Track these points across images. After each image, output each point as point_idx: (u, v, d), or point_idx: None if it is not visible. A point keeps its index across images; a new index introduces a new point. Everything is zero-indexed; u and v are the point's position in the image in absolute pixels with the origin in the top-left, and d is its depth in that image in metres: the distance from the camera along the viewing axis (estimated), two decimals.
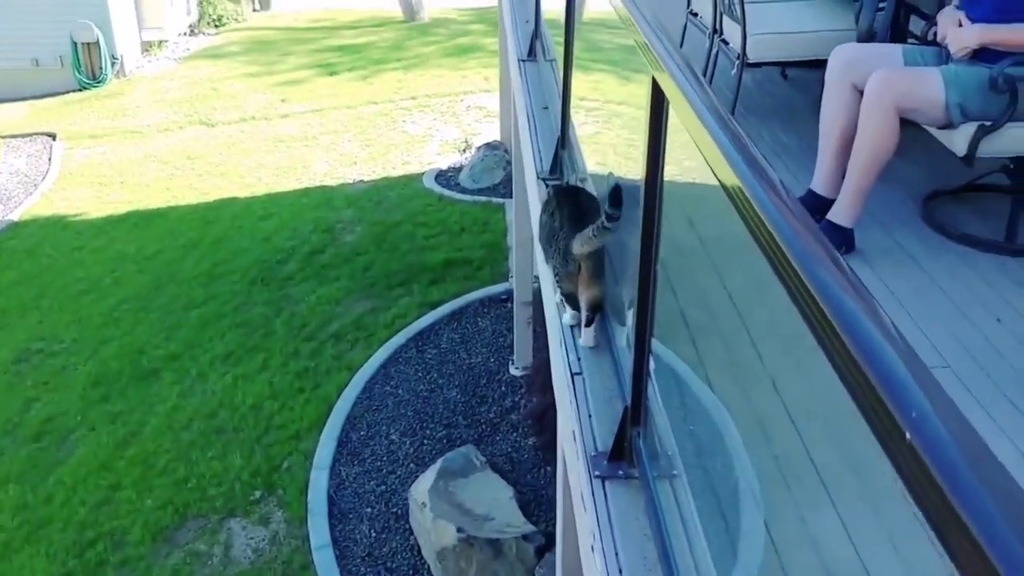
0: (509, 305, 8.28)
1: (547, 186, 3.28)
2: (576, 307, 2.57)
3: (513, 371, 7.69)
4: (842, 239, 3.20)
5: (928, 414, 0.77)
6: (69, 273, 9.76)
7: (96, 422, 7.37)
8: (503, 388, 7.56)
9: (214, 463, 6.85)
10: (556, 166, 3.78)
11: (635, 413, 2.09)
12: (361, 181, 11.49)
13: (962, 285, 3.05)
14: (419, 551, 6.11)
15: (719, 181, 1.31)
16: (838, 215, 3.22)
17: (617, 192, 2.23)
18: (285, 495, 6.55)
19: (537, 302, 6.04)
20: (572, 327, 2.63)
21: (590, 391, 2.43)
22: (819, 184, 3.43)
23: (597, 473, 2.15)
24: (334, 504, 6.47)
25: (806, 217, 1.15)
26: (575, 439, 2.36)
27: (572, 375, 2.51)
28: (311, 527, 6.27)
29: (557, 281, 2.60)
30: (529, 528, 5.90)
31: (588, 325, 2.53)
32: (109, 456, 6.98)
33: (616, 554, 1.96)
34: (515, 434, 7.07)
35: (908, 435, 0.76)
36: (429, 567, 6.02)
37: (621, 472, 2.14)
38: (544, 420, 6.47)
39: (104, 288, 9.37)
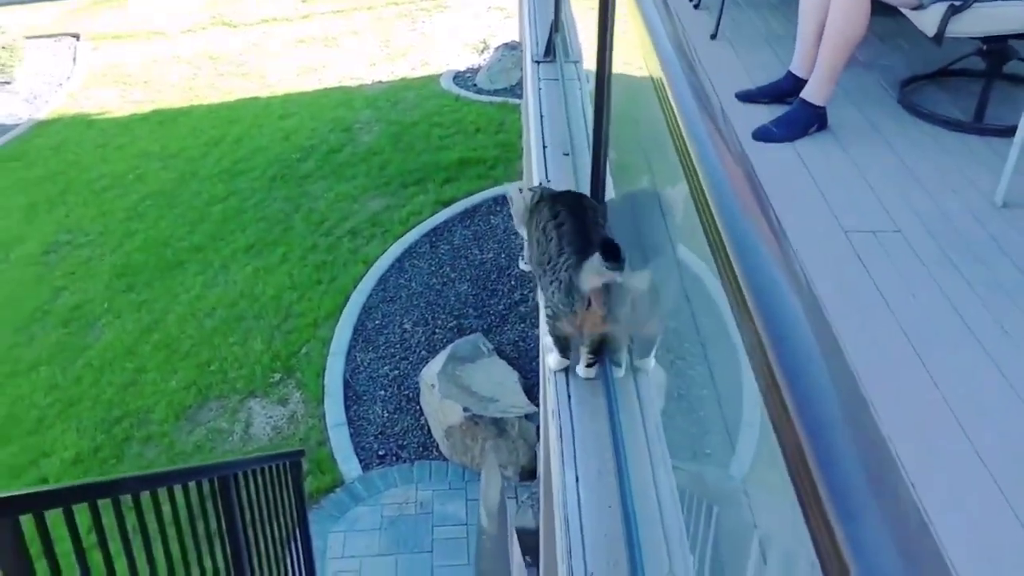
0: None
1: (530, 191, 2.28)
2: (565, 352, 2.05)
3: (523, 266, 7.76)
4: (814, 116, 3.35)
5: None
6: (94, 169, 10.03)
7: (122, 310, 7.70)
8: (512, 282, 7.78)
9: (235, 348, 7.16)
10: (550, 48, 3.91)
11: None
12: (379, 82, 11.59)
13: (925, 160, 3.19)
14: (428, 430, 6.43)
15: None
16: (811, 94, 3.36)
17: (611, 247, 1.74)
18: (303, 378, 6.86)
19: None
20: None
21: None
22: (797, 66, 3.56)
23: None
24: (349, 387, 6.78)
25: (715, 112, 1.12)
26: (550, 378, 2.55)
27: None
28: (327, 407, 6.60)
29: (550, 316, 2.00)
30: (532, 408, 6.18)
31: (589, 366, 2.05)
32: (134, 341, 7.31)
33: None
34: (522, 325, 7.32)
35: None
36: (437, 444, 6.34)
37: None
38: None
39: (128, 184, 9.63)
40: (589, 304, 1.86)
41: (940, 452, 2.02)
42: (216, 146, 10.22)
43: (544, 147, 3.13)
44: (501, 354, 6.92)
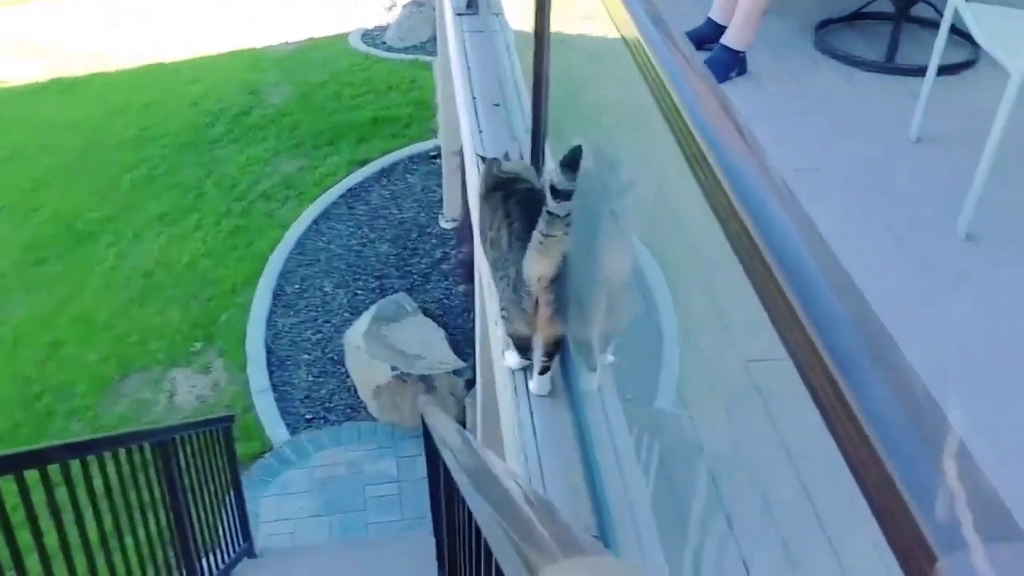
0: (438, 161, 8.43)
1: (484, 162, 2.15)
2: (526, 352, 1.98)
3: (443, 224, 7.90)
4: (734, 62, 3.43)
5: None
6: None
7: (34, 284, 7.48)
8: (434, 240, 7.79)
9: (154, 318, 7.03)
10: (471, 1, 3.89)
11: None
12: (287, 43, 11.36)
13: (841, 100, 3.31)
14: (355, 391, 6.43)
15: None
16: (731, 39, 3.44)
17: (573, 155, 1.63)
18: (224, 346, 6.78)
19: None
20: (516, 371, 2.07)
21: None
22: (716, 12, 3.63)
23: None
24: (272, 352, 6.73)
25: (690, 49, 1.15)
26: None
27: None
28: (250, 374, 6.55)
29: (504, 317, 1.94)
30: (459, 364, 6.23)
31: (542, 373, 1.97)
32: (50, 315, 7.13)
33: None
34: (446, 283, 7.34)
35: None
36: (365, 405, 6.35)
37: None
38: (473, 268, 6.73)
39: (30, 155, 9.31)
40: (536, 305, 1.81)
41: None
42: (121, 114, 9.93)
43: (474, 98, 3.14)
44: (426, 312, 6.94)
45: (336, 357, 6.69)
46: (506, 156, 2.10)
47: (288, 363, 6.66)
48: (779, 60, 3.62)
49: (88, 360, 6.69)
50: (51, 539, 2.47)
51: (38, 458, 2.52)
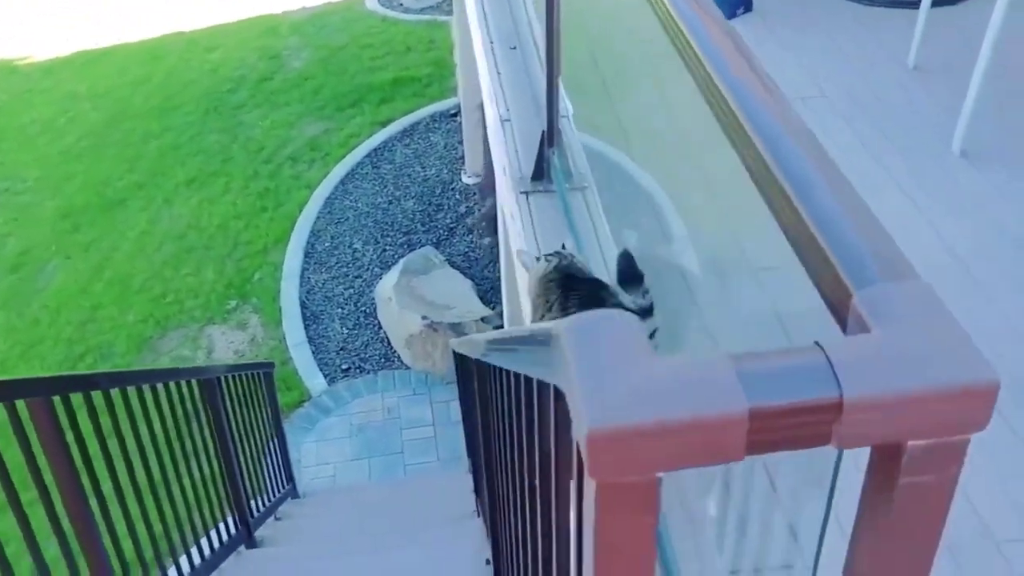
0: (458, 119, 8.57)
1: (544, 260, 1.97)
2: None
3: (466, 180, 8.06)
4: (740, 0, 3.56)
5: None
6: (23, 115, 9.89)
7: (70, 251, 7.72)
8: (457, 196, 7.95)
9: (188, 279, 7.26)
10: None
11: (550, 135, 2.50)
12: (304, 8, 11.48)
13: (843, 32, 3.44)
14: (388, 341, 6.64)
15: None
16: None
17: (628, 264, 1.52)
18: (259, 303, 7.00)
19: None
20: None
21: (517, 132, 2.83)
22: None
23: (522, 190, 2.57)
24: (306, 308, 6.94)
25: None
26: (505, 172, 2.77)
27: (502, 121, 2.90)
28: (286, 328, 6.77)
29: None
30: (487, 312, 6.42)
31: None
32: (87, 280, 7.37)
33: (538, 246, 2.40)
34: (470, 236, 7.51)
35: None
36: (399, 355, 6.56)
37: (541, 188, 2.56)
38: (497, 222, 6.90)
39: (60, 127, 9.53)
40: None
41: None
42: (144, 83, 10.12)
43: (491, 43, 3.30)
44: (452, 265, 7.13)
45: (368, 310, 6.90)
46: (563, 247, 1.95)
47: (322, 317, 6.87)
48: None
49: (126, 321, 6.93)
50: (116, 467, 2.68)
51: (87, 383, 2.70)
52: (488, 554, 3.08)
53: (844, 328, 0.64)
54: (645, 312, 1.47)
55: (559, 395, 0.82)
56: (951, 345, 0.59)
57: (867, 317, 0.61)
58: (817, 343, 0.58)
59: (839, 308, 0.65)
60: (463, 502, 4.31)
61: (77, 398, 2.43)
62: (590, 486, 0.59)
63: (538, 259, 1.95)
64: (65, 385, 2.44)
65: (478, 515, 3.88)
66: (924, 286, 0.63)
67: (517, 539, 1.68)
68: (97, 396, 2.67)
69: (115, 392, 2.74)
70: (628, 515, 0.60)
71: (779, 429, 0.57)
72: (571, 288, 1.72)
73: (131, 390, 2.92)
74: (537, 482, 1.08)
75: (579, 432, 0.56)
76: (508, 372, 1.38)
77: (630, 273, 1.49)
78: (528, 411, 1.10)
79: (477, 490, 3.99)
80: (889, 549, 0.65)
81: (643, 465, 0.57)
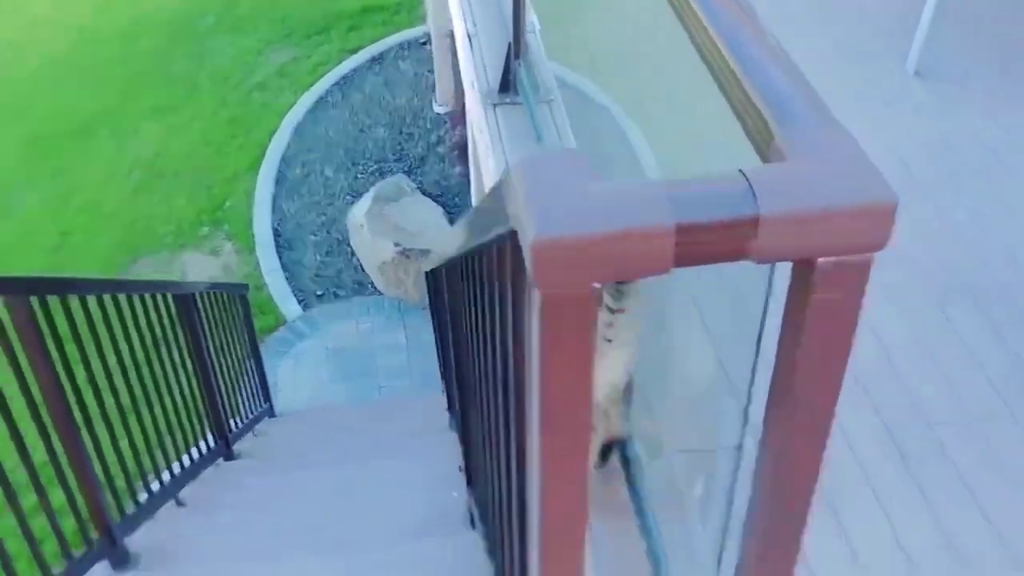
0: (428, 47, 8.51)
1: None
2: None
3: (437, 109, 8.04)
4: None
5: None
6: None
7: (38, 177, 7.67)
8: (428, 125, 7.94)
9: (159, 206, 7.25)
10: None
11: (516, 47, 2.54)
12: None
13: None
14: (361, 268, 6.70)
15: None
16: None
17: None
18: (232, 229, 7.02)
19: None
20: None
21: (484, 47, 2.87)
22: None
23: (490, 102, 2.62)
24: (279, 235, 6.97)
25: None
26: (473, 86, 2.82)
27: (469, 36, 2.93)
28: (260, 255, 6.80)
29: None
30: None
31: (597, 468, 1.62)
32: (56, 207, 7.34)
33: (505, 158, 2.46)
34: (442, 165, 7.53)
35: None
36: (372, 281, 6.62)
37: (508, 100, 2.61)
38: (468, 151, 6.92)
39: (22, 52, 9.37)
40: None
41: None
42: (109, 8, 9.94)
43: None
44: (424, 193, 7.16)
45: (341, 237, 6.94)
46: None
47: (295, 244, 6.91)
48: None
49: (98, 247, 6.93)
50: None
51: (64, 286, 2.75)
52: (461, 462, 3.19)
53: (765, 161, 0.71)
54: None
55: (514, 239, 0.89)
56: (857, 172, 0.66)
57: (785, 150, 0.68)
58: (740, 170, 0.66)
59: (762, 145, 0.73)
60: (437, 418, 4.41)
61: (55, 302, 2.48)
62: (535, 301, 0.66)
63: None
64: (43, 286, 2.49)
65: (451, 429, 3.99)
66: (838, 125, 0.70)
67: (487, 430, 1.76)
68: (76, 309, 2.72)
69: (92, 301, 2.79)
70: (569, 328, 0.68)
71: (703, 243, 0.64)
72: None
73: (108, 301, 2.97)
74: (498, 341, 1.16)
75: (526, 244, 0.64)
76: (472, 258, 1.45)
77: None
78: (489, 274, 1.17)
79: (450, 406, 4.09)
80: (806, 365, 0.74)
81: (582, 274, 0.64)
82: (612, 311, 1.22)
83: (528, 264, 0.64)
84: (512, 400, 1.16)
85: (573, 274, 0.64)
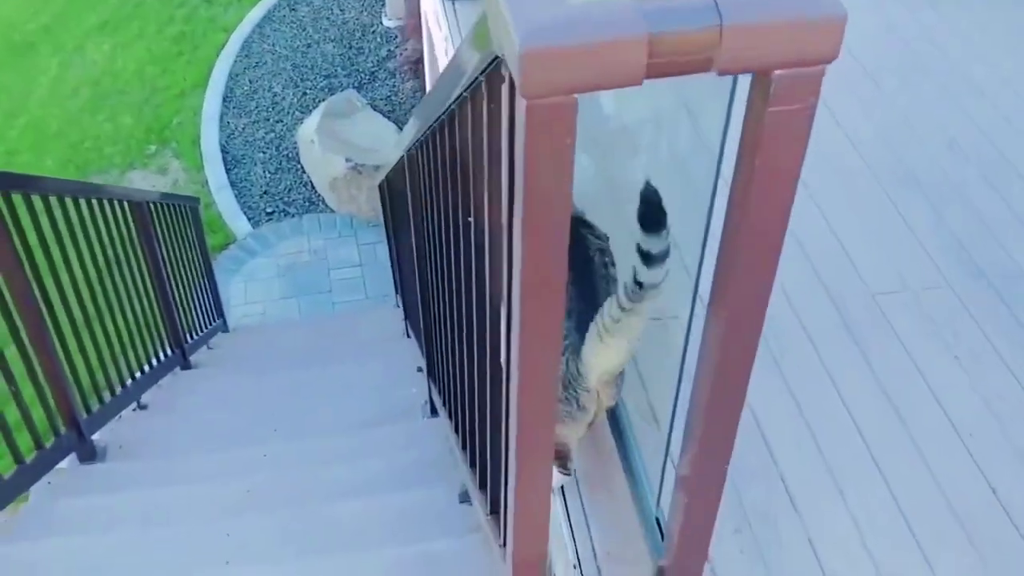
0: None
1: None
2: (566, 462, 1.60)
3: (387, 23, 7.95)
4: None
5: None
6: None
7: None
8: (378, 39, 7.86)
9: (105, 125, 7.14)
10: None
11: None
12: None
13: None
14: (312, 185, 6.68)
15: None
16: None
17: (653, 204, 1.22)
18: (179, 147, 6.95)
19: None
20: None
21: None
22: None
23: None
24: (227, 152, 6.91)
25: None
26: None
27: None
28: (208, 172, 6.75)
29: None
30: None
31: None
32: (1, 126, 7.19)
33: None
34: (393, 80, 7.48)
35: None
36: (323, 198, 6.61)
37: None
38: (419, 65, 6.87)
39: None
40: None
41: None
42: None
43: None
44: (375, 108, 7.12)
45: (291, 154, 6.90)
46: None
47: (244, 161, 6.86)
48: None
49: (44, 166, 6.81)
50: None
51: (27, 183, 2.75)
52: (421, 363, 3.26)
53: None
54: (665, 255, 1.22)
55: (495, 69, 0.94)
56: None
57: None
58: None
59: None
60: (393, 327, 4.49)
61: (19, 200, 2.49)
62: (520, 108, 0.73)
63: None
64: (7, 181, 2.49)
65: (408, 336, 4.06)
66: None
67: (452, 323, 1.82)
68: (41, 211, 2.73)
69: (53, 200, 2.80)
70: (551, 135, 0.74)
71: (672, 53, 0.71)
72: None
73: (69, 206, 2.98)
74: (471, 195, 1.22)
75: (513, 59, 0.69)
76: (433, 132, 1.50)
77: (656, 217, 1.20)
78: (462, 127, 1.23)
79: (407, 314, 4.16)
80: (762, 177, 0.81)
81: (565, 82, 0.71)
82: (624, 310, 1.28)
83: (516, 75, 0.70)
84: (485, 266, 1.22)
85: (556, 82, 0.70)
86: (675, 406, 1.27)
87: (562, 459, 1.55)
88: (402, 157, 2.28)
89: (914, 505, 1.67)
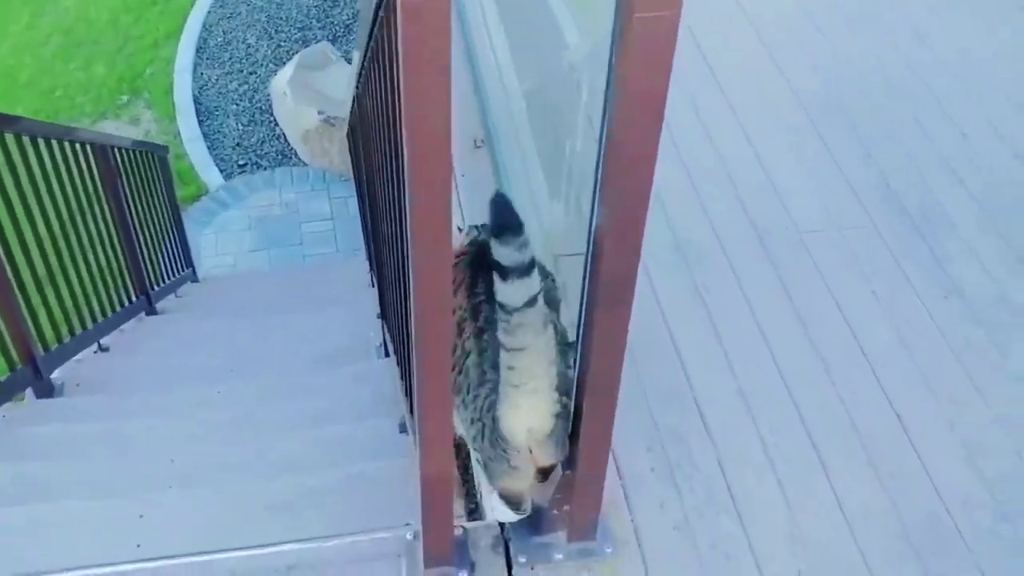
0: None
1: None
2: (520, 505, 1.54)
3: None
4: None
5: None
6: None
7: None
8: None
9: (78, 74, 7.11)
10: None
11: None
12: None
13: None
14: (285, 138, 6.70)
15: None
16: None
17: (502, 211, 1.15)
18: (151, 97, 6.94)
19: None
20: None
21: None
22: None
23: None
24: (200, 103, 6.90)
25: None
26: None
27: None
28: (180, 123, 6.74)
29: (487, 473, 1.49)
30: None
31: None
32: None
33: None
34: None
35: None
36: (295, 151, 6.63)
37: None
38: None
39: None
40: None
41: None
42: None
43: None
44: (349, 62, 7.11)
45: (264, 107, 6.90)
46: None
47: (217, 113, 6.85)
48: None
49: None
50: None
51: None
52: (378, 310, 3.33)
53: None
54: (523, 269, 1.12)
55: None
56: None
57: None
58: None
59: None
60: (361, 278, 4.54)
61: None
62: (399, 10, 0.78)
63: (460, 230, 1.60)
64: None
65: (372, 286, 4.11)
66: None
67: (392, 261, 1.88)
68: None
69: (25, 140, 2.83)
70: (427, 34, 0.80)
71: None
72: (478, 276, 1.39)
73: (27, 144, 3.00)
74: (389, 106, 1.27)
75: None
76: (368, 59, 1.55)
77: (503, 221, 1.12)
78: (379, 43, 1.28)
79: (370, 262, 4.21)
80: (633, 90, 0.87)
81: None
82: (509, 350, 1.19)
83: None
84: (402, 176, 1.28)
85: None
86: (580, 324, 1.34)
87: (514, 504, 1.51)
88: (354, 97, 2.32)
89: (821, 430, 1.76)
